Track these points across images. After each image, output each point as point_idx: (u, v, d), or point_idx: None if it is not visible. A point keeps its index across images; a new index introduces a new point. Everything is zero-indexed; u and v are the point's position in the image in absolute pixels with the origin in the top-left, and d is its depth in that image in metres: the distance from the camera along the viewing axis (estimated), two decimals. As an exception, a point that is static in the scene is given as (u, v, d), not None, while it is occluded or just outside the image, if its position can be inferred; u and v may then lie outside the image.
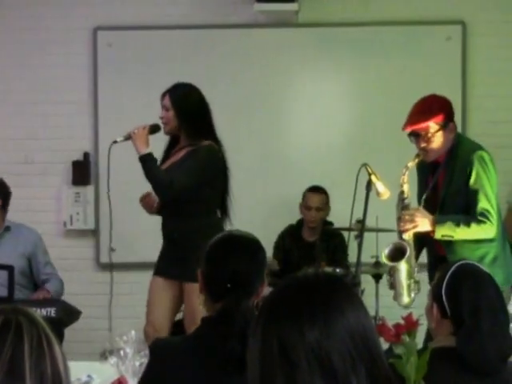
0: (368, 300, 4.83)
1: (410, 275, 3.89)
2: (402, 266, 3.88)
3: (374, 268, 5.04)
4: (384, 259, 3.91)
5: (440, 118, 3.88)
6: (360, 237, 4.16)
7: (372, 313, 4.77)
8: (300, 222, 5.63)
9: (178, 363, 2.32)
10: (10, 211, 5.00)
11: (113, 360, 2.24)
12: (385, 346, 2.07)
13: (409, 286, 3.89)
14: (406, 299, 3.91)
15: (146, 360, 2.24)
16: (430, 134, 3.86)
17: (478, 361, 2.35)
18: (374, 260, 5.04)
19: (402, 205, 3.93)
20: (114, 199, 4.58)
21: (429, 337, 3.20)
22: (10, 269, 4.19)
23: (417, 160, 3.93)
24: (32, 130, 6.06)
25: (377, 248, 4.97)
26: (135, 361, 2.23)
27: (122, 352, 2.23)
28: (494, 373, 2.36)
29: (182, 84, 4.45)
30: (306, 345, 1.35)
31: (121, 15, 6.06)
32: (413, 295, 3.92)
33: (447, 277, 2.47)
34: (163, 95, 4.44)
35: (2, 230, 4.96)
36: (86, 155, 6.07)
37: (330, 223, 5.56)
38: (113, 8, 6.08)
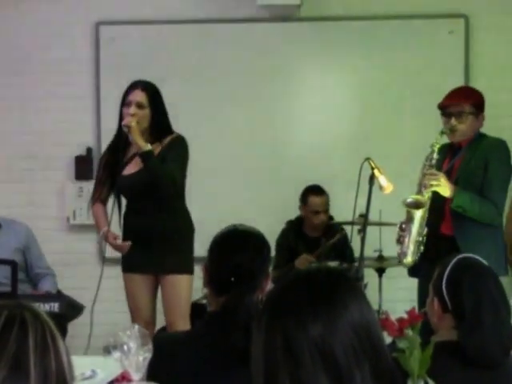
0: (371, 294, 4.83)
1: (421, 233, 3.96)
2: (417, 219, 3.94)
3: (378, 262, 5.04)
4: (404, 205, 3.95)
5: (476, 104, 4.12)
6: (363, 231, 4.16)
7: (375, 307, 4.78)
8: (300, 219, 5.55)
9: (182, 358, 2.32)
10: (13, 206, 5.00)
11: (116, 355, 2.24)
12: (388, 340, 2.07)
13: (417, 242, 3.95)
14: (409, 258, 3.98)
15: (149, 355, 2.24)
16: (463, 114, 4.07)
17: (480, 354, 2.34)
18: (377, 254, 5.04)
19: (430, 163, 4.03)
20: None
21: None
22: (13, 264, 4.19)
23: (443, 136, 4.08)
24: (35, 125, 6.06)
25: (380, 242, 4.97)
26: (139, 355, 2.23)
27: (125, 347, 2.23)
28: (496, 366, 2.36)
29: (148, 81, 4.26)
30: (310, 340, 1.36)
31: (123, 10, 6.06)
32: (416, 257, 3.98)
33: (447, 271, 2.47)
34: (131, 90, 4.19)
35: None
36: (88, 150, 6.07)
37: (330, 218, 5.53)
38: (115, 2, 6.08)
